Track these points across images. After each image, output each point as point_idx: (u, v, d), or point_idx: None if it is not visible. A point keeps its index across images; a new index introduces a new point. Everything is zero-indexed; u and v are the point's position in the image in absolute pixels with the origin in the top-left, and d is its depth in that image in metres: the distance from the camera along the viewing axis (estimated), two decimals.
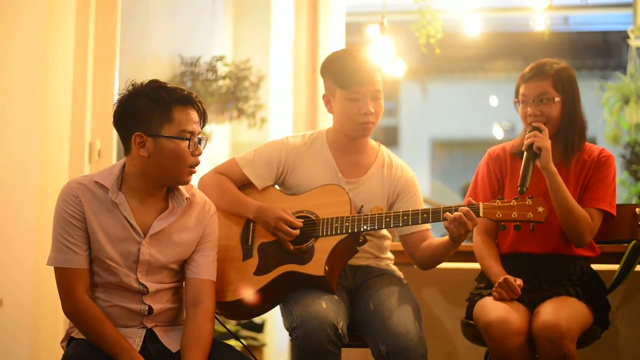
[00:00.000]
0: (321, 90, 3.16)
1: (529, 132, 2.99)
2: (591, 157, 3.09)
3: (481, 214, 2.78)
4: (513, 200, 2.77)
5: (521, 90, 3.09)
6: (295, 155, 3.14)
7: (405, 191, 3.14)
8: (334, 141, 3.16)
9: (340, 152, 3.15)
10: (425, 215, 2.87)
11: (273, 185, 3.16)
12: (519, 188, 2.86)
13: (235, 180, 3.12)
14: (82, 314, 2.54)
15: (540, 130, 2.97)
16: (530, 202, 2.75)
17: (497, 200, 2.79)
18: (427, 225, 3.09)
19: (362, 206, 3.04)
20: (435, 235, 3.10)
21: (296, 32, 5.29)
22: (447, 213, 2.80)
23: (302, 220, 2.97)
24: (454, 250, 2.93)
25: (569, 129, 3.08)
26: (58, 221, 2.58)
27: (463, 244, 3.34)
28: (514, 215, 2.75)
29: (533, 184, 2.96)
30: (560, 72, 3.07)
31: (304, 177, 3.11)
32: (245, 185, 3.13)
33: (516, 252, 3.10)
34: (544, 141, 2.93)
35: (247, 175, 3.11)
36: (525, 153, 2.95)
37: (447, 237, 2.90)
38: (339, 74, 3.06)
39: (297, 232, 2.94)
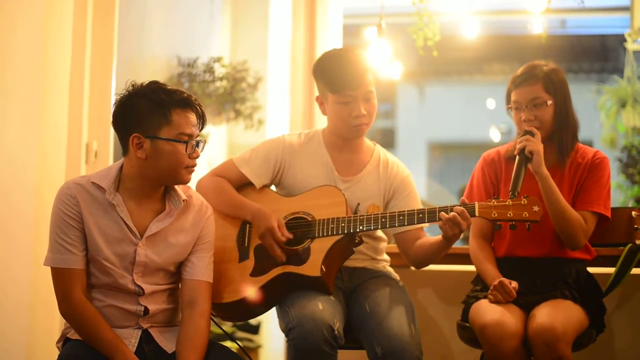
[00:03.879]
0: (317, 92, 3.16)
1: (521, 136, 3.00)
2: (585, 160, 3.09)
3: (477, 214, 2.79)
4: (508, 200, 2.77)
5: (513, 97, 3.10)
6: (292, 153, 3.14)
7: (401, 189, 3.14)
8: (330, 140, 3.17)
9: (337, 151, 3.16)
10: (420, 216, 2.87)
11: (269, 187, 3.16)
12: (510, 193, 2.86)
13: (233, 181, 3.12)
14: (79, 315, 2.54)
15: (532, 135, 2.98)
16: (526, 202, 2.75)
17: (493, 200, 2.79)
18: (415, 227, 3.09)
19: (358, 204, 3.05)
20: (430, 236, 3.10)
21: (294, 34, 5.30)
22: (442, 213, 2.80)
23: (292, 232, 2.97)
24: (446, 250, 2.94)
25: (562, 131, 3.08)
26: (55, 221, 2.58)
27: (459, 246, 3.35)
28: (510, 214, 2.76)
29: (528, 187, 2.97)
30: (550, 74, 3.08)
31: (300, 175, 3.12)
32: (241, 187, 3.13)
33: (512, 256, 3.11)
34: (536, 145, 2.94)
35: (245, 174, 3.11)
36: (517, 157, 2.96)
37: (440, 237, 2.90)
38: (329, 79, 3.06)
39: (279, 250, 2.93)
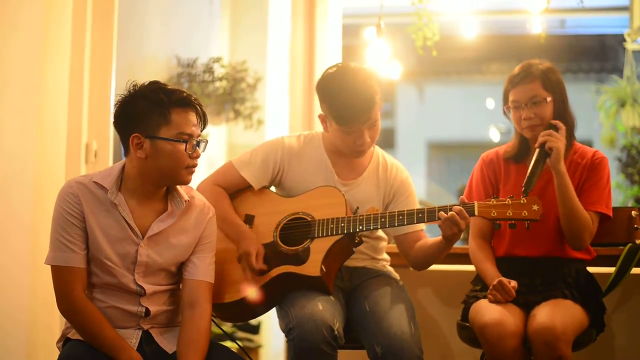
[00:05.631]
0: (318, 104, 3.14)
1: (546, 129, 2.98)
2: (585, 160, 3.09)
3: (476, 213, 2.79)
4: (508, 199, 2.77)
5: (511, 96, 3.09)
6: (291, 155, 3.14)
7: (401, 191, 3.14)
8: (329, 145, 3.16)
9: (336, 154, 3.15)
10: (420, 215, 2.87)
11: (269, 188, 3.16)
12: (524, 187, 2.86)
13: (233, 184, 3.12)
14: (79, 313, 2.54)
15: (556, 129, 2.97)
16: (525, 201, 2.76)
17: (492, 199, 2.80)
18: (422, 225, 3.09)
19: (357, 207, 3.05)
20: (431, 237, 3.10)
21: (293, 34, 5.30)
22: (442, 212, 2.81)
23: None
24: (447, 250, 2.94)
25: None
26: (57, 220, 2.57)
27: (459, 245, 3.35)
28: (509, 213, 2.76)
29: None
30: (547, 72, 3.08)
31: (299, 178, 3.11)
32: (242, 189, 3.13)
33: (512, 255, 3.11)
34: (557, 142, 2.92)
35: (245, 176, 3.11)
36: (536, 151, 2.95)
37: (440, 237, 2.90)
38: (334, 109, 2.99)
39: (251, 274, 2.93)
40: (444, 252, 2.97)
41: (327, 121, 3.07)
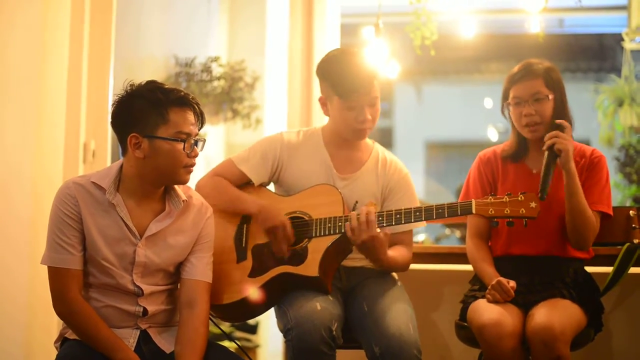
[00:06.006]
0: (316, 91, 3.16)
1: (551, 129, 2.96)
2: (583, 159, 3.08)
3: (474, 211, 2.79)
4: (505, 197, 2.77)
5: (512, 93, 3.09)
6: (290, 151, 3.14)
7: (398, 188, 3.14)
8: (329, 138, 3.16)
9: (335, 149, 3.15)
10: (417, 214, 2.87)
11: (266, 186, 3.16)
12: (539, 194, 2.85)
13: (233, 180, 3.11)
14: (76, 314, 2.53)
15: (562, 129, 2.95)
16: (523, 198, 2.75)
17: (490, 197, 2.79)
18: (409, 228, 3.10)
19: (356, 202, 3.05)
20: (430, 236, 3.09)
21: (291, 33, 5.29)
22: (347, 224, 2.84)
23: (295, 222, 2.98)
24: (376, 263, 2.96)
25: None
26: (54, 221, 2.57)
27: (457, 245, 3.35)
28: (507, 211, 2.76)
29: (525, 186, 2.96)
30: (549, 70, 3.08)
31: (298, 173, 3.11)
32: (239, 187, 3.13)
33: (510, 255, 3.11)
34: (566, 144, 2.90)
35: (244, 171, 3.10)
36: (546, 154, 2.94)
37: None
38: (336, 82, 3.03)
39: (286, 246, 2.94)
40: (376, 263, 2.97)
41: (328, 101, 3.10)
